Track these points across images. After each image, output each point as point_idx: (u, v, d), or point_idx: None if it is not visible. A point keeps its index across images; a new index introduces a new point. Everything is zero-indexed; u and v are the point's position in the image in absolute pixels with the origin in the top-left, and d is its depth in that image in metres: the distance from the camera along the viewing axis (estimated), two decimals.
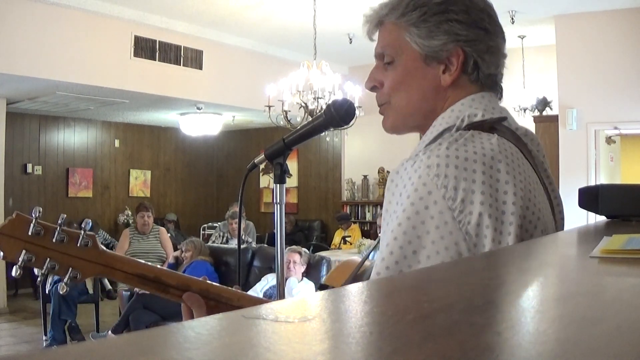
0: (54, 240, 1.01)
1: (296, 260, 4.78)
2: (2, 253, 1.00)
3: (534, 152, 1.00)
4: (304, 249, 5.16)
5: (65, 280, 1.03)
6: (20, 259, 0.99)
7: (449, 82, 0.98)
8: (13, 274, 1.00)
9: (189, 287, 1.16)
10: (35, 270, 1.07)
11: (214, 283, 1.21)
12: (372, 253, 1.40)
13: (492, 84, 1.02)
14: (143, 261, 1.16)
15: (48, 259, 1.01)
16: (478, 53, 0.98)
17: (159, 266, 1.27)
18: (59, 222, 1.02)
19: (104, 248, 1.09)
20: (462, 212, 0.83)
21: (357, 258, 1.91)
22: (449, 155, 0.85)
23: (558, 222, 1.03)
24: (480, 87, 1.00)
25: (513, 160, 0.89)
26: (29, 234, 0.99)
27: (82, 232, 1.04)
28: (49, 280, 5.74)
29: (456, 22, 0.97)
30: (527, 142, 0.99)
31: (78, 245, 1.03)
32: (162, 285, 1.13)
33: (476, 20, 0.98)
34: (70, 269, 1.03)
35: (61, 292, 1.05)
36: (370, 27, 1.05)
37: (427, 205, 0.84)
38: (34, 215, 1.00)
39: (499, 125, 0.96)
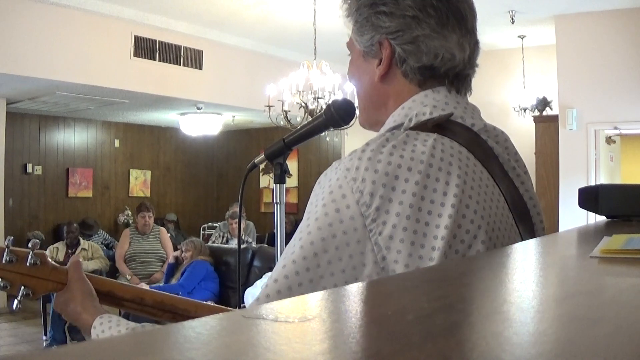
0: (2, 261, 1.07)
1: None
2: None
3: (497, 150, 0.91)
4: None
5: (19, 298, 1.08)
6: None
7: (377, 75, 0.94)
8: None
9: (143, 299, 1.17)
10: None
11: (170, 294, 1.22)
12: None
13: (435, 77, 0.92)
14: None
15: (0, 279, 1.07)
16: (402, 44, 0.91)
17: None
18: (6, 243, 1.08)
19: (55, 264, 1.13)
20: (375, 220, 0.77)
21: None
22: (370, 158, 0.79)
23: (538, 230, 0.95)
24: (417, 81, 0.92)
25: (451, 163, 0.80)
26: None
27: (30, 252, 1.09)
28: None
29: (382, 14, 0.91)
30: (487, 138, 0.91)
31: (27, 264, 1.08)
32: (116, 299, 1.16)
33: (404, 8, 0.90)
34: (22, 287, 1.08)
35: (15, 309, 1.11)
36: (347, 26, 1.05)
37: (339, 208, 0.78)
38: None
39: (448, 122, 0.87)
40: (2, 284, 1.07)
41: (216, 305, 1.23)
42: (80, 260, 1.16)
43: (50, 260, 1.12)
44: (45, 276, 1.10)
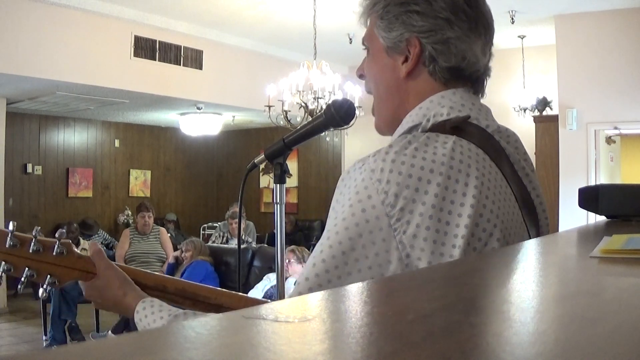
0: (30, 250, 1.09)
1: (290, 259, 4.77)
2: None
3: (508, 150, 0.95)
4: (304, 249, 5.16)
5: (45, 286, 1.11)
6: (0, 270, 1.08)
7: (404, 73, 0.97)
8: None
9: (165, 287, 1.19)
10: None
11: (190, 282, 1.23)
12: None
13: (460, 78, 0.97)
14: (122, 263, 1.22)
15: (26, 268, 1.09)
16: (433, 44, 0.94)
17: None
18: (34, 233, 1.10)
19: (80, 254, 1.15)
20: (400, 220, 0.81)
21: None
22: (394, 160, 0.82)
23: (543, 226, 1.00)
24: (443, 80, 0.96)
25: (469, 165, 0.84)
26: (6, 246, 1.08)
27: (57, 241, 1.12)
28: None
29: (415, 13, 0.95)
30: (500, 139, 0.95)
31: (54, 253, 1.11)
32: (139, 286, 1.17)
33: (437, 10, 0.94)
34: (49, 276, 1.11)
35: (41, 297, 1.14)
36: (362, 21, 1.06)
37: (365, 208, 0.82)
38: (9, 229, 1.08)
39: (465, 124, 0.91)
40: (29, 273, 1.09)
41: (235, 292, 1.23)
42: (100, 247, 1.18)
43: (75, 249, 1.14)
44: (72, 265, 1.12)
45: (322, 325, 0.40)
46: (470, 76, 0.97)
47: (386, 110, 1.03)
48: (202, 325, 0.38)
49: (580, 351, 0.33)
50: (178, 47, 7.27)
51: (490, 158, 0.89)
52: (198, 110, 8.46)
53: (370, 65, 1.03)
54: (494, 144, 0.92)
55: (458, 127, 0.90)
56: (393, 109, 1.01)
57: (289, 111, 5.60)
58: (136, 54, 6.85)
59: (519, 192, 0.93)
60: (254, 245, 6.25)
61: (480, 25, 0.98)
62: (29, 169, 8.99)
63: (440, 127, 0.90)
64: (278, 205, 1.38)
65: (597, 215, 1.20)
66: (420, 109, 0.95)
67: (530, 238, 0.92)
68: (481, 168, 0.86)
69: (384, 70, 1.00)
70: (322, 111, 1.32)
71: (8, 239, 1.08)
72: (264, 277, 5.01)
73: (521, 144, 1.01)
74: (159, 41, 7.04)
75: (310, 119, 1.63)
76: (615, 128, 6.41)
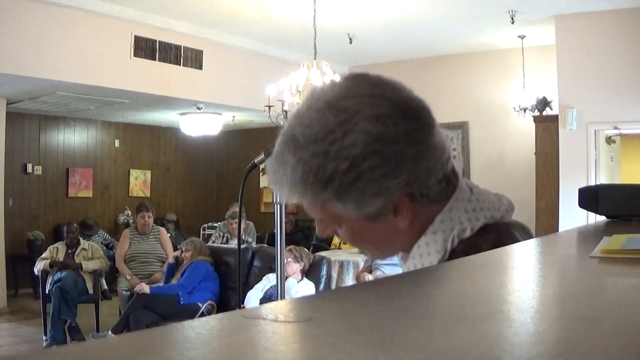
0: None
1: (288, 258, 4.77)
2: None
3: (519, 230, 0.93)
4: (302, 248, 5.16)
5: None
6: None
7: (406, 224, 0.88)
8: None
9: None
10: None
11: None
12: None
13: (451, 179, 0.90)
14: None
15: None
16: (420, 186, 0.85)
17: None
18: None
19: None
20: None
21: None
22: None
23: None
24: (438, 198, 0.89)
25: None
26: None
27: None
28: (49, 280, 5.74)
29: (383, 178, 0.82)
30: (509, 220, 0.94)
31: None
32: None
33: (399, 154, 0.82)
34: None
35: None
36: (286, 197, 0.92)
37: None
38: None
39: (492, 233, 0.87)
40: None
41: None
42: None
43: None
44: None
45: (322, 325, 0.40)
46: (450, 170, 0.90)
47: (387, 253, 0.99)
48: (202, 325, 0.38)
49: (580, 351, 0.33)
50: (178, 47, 7.27)
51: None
52: (198, 110, 8.46)
53: (349, 234, 0.92)
54: (515, 235, 0.90)
55: (495, 244, 0.86)
56: (397, 249, 0.96)
57: (289, 111, 5.60)
58: (136, 54, 6.85)
59: None
60: (254, 245, 6.25)
61: (432, 123, 0.88)
62: (29, 169, 8.98)
63: (479, 251, 0.83)
64: (278, 205, 1.38)
65: (597, 215, 1.20)
66: (434, 235, 0.89)
67: None
68: None
69: (374, 232, 0.91)
70: None
71: None
72: (264, 277, 5.01)
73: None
74: (159, 41, 7.04)
75: None
76: (615, 128, 6.41)
